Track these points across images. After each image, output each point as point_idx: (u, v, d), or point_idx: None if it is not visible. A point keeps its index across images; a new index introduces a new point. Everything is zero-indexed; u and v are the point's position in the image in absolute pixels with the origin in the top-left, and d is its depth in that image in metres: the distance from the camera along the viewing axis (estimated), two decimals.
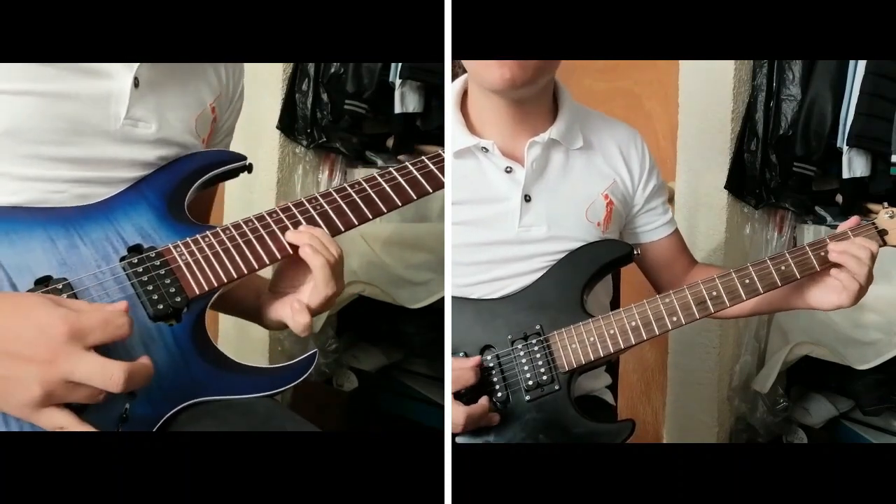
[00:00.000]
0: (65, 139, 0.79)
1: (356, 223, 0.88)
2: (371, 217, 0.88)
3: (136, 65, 0.82)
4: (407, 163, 0.92)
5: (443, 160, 0.93)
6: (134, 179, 0.85)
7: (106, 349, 0.67)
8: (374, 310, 1.94)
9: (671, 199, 1.64)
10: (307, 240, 0.82)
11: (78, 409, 0.67)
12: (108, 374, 0.64)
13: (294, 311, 0.83)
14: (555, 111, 1.04)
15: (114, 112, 0.82)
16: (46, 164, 0.78)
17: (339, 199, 0.88)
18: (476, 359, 0.95)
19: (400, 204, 0.89)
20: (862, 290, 0.94)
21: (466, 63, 0.96)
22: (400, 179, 0.90)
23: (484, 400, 0.94)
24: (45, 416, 0.66)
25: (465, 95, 1.03)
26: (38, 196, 0.79)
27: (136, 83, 0.82)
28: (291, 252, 0.83)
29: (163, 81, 0.86)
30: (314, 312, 0.84)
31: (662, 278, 1.13)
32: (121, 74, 0.82)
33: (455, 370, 0.94)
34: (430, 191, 0.91)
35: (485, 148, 0.99)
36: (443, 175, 0.92)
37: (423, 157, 0.93)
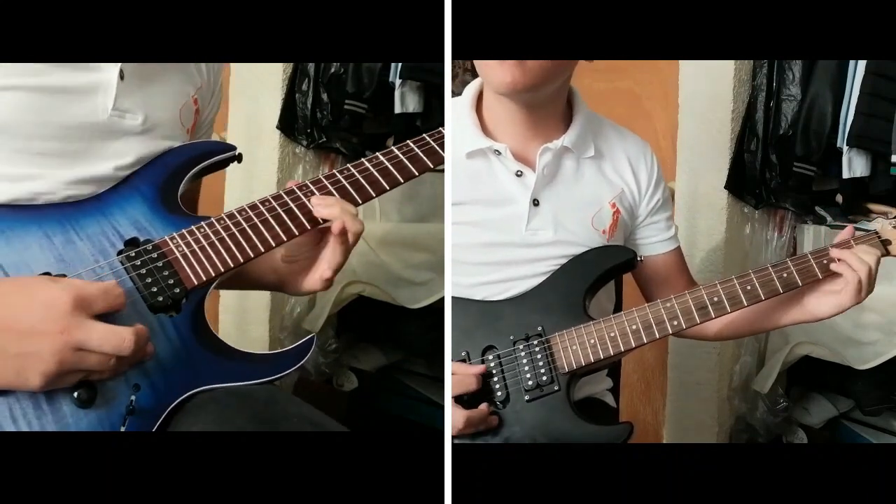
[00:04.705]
0: (53, 133, 0.79)
1: (360, 202, 0.88)
2: (375, 195, 0.88)
3: None
4: (409, 140, 0.92)
5: (442, 136, 0.93)
6: (122, 171, 0.85)
7: None
8: (374, 310, 1.94)
9: (671, 199, 1.64)
10: (338, 213, 0.84)
11: (85, 402, 0.70)
12: (121, 338, 0.69)
13: (321, 270, 0.87)
14: (569, 118, 1.04)
15: (101, 104, 0.82)
16: (35, 159, 0.79)
17: (342, 180, 0.88)
18: (480, 367, 0.96)
19: (402, 180, 0.90)
20: (856, 300, 0.95)
21: (476, 64, 0.96)
22: (401, 157, 0.91)
23: (484, 406, 0.94)
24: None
25: (480, 97, 1.03)
26: (27, 189, 0.79)
27: (121, 75, 0.83)
28: (286, 239, 0.84)
29: (147, 73, 0.87)
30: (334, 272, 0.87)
31: (657, 297, 1.08)
32: (107, 66, 0.82)
33: (458, 375, 0.94)
34: (431, 166, 0.91)
35: (497, 151, 0.99)
36: (443, 150, 0.92)
37: (423, 135, 0.93)
